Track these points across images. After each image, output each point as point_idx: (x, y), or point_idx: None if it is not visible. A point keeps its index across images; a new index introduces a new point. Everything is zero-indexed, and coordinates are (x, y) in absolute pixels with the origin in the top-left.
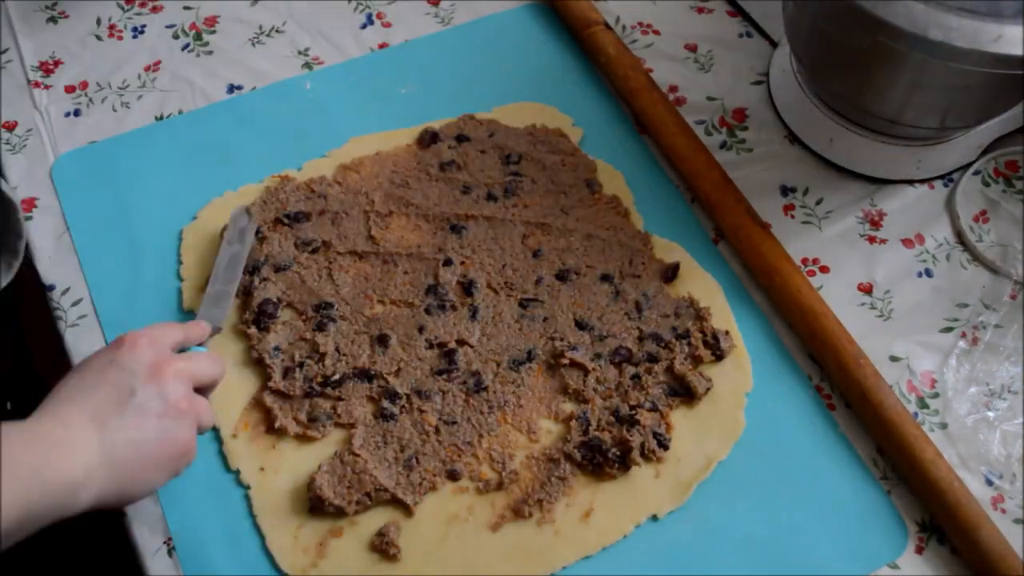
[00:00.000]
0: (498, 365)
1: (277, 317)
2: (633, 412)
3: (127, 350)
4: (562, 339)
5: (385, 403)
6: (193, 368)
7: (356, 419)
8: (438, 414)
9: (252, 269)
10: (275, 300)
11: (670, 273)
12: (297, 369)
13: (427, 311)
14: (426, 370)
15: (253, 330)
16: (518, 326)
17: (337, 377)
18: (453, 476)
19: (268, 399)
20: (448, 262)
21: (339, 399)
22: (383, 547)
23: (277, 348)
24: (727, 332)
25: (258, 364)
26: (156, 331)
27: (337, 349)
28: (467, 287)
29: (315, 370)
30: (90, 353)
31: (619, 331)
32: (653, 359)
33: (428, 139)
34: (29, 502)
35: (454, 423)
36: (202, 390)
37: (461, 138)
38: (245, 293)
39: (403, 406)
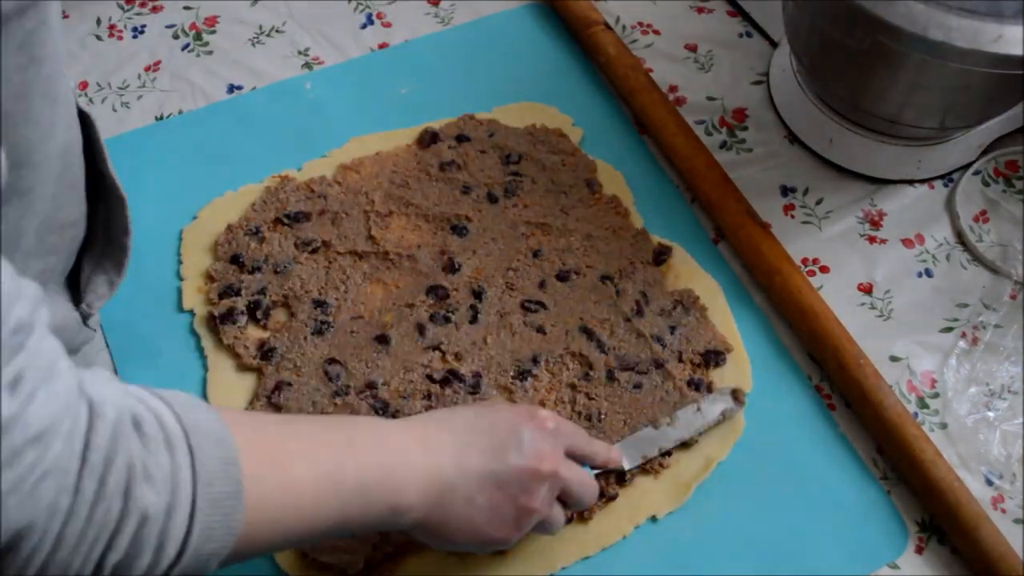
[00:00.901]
0: (500, 367)
1: (270, 317)
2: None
3: (534, 422)
4: (566, 349)
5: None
6: (571, 480)
7: None
8: None
9: (252, 269)
10: (271, 301)
11: (660, 256)
12: (294, 373)
13: (427, 311)
14: (425, 373)
15: (249, 330)
16: (520, 328)
17: (336, 388)
18: None
19: (260, 406)
20: (451, 267)
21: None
22: None
23: (273, 350)
24: (719, 351)
25: (256, 366)
26: (566, 426)
27: (337, 351)
28: (468, 287)
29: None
30: (91, 357)
31: (622, 335)
32: (658, 364)
33: (428, 139)
34: (359, 505)
35: None
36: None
37: (461, 138)
38: (236, 293)
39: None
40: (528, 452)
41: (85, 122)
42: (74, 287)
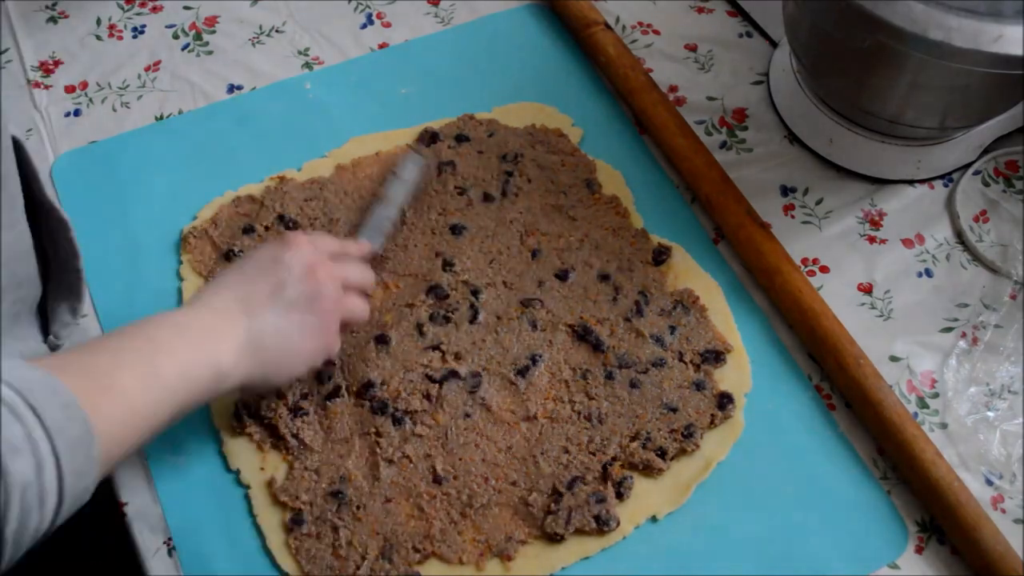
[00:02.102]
0: (499, 366)
1: None
2: (636, 437)
3: (288, 248)
4: (566, 348)
5: (380, 446)
6: (346, 272)
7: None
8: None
9: None
10: None
11: (660, 256)
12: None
13: (427, 311)
14: (425, 373)
15: None
16: (520, 328)
17: (330, 388)
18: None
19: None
20: (448, 264)
21: (327, 412)
22: None
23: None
24: (719, 351)
25: None
26: (318, 238)
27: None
28: (467, 287)
29: (309, 381)
30: None
31: (621, 335)
32: (658, 364)
33: (428, 139)
34: (186, 387)
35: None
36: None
37: (461, 138)
38: None
39: (397, 448)
40: (298, 271)
41: (17, 147)
42: (45, 318)
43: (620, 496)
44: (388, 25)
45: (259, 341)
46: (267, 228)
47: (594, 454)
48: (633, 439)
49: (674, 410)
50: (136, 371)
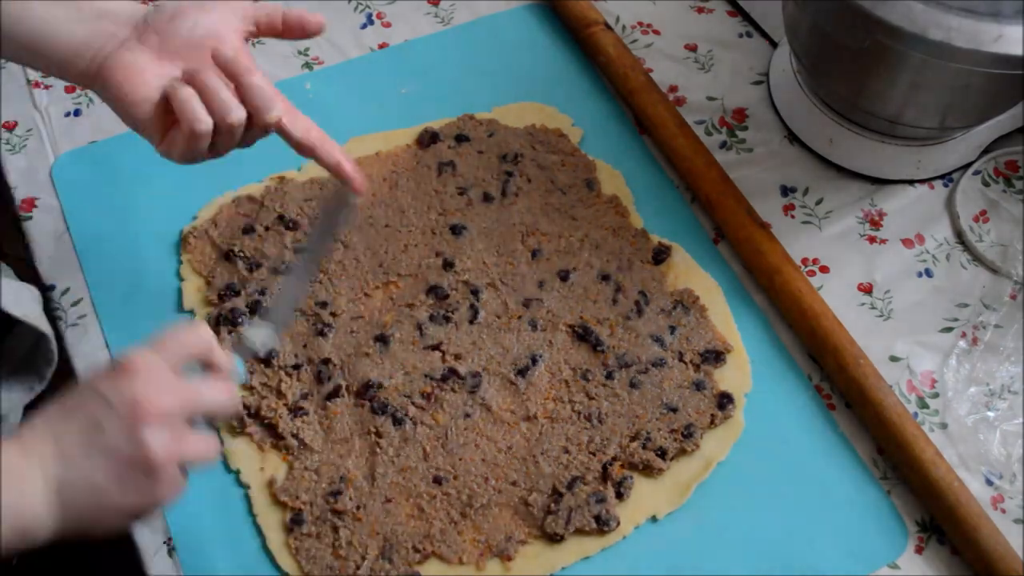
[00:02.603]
0: (499, 366)
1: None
2: (637, 438)
3: (113, 377)
4: (566, 348)
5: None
6: (192, 403)
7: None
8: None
9: (250, 268)
10: (269, 306)
11: (660, 255)
12: (294, 374)
13: (427, 311)
14: (425, 373)
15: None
16: (520, 328)
17: (331, 388)
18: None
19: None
20: (448, 264)
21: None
22: None
23: (273, 350)
24: (719, 351)
25: (254, 364)
26: (163, 350)
27: (334, 355)
28: (467, 287)
29: (309, 381)
30: (91, 356)
31: (621, 335)
32: (658, 364)
33: (428, 139)
34: None
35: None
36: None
37: (461, 138)
38: (236, 293)
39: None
40: (118, 405)
41: None
42: None
43: (620, 496)
44: (388, 25)
45: (70, 493)
46: (267, 228)
47: (594, 454)
48: (633, 439)
49: (674, 410)
50: None
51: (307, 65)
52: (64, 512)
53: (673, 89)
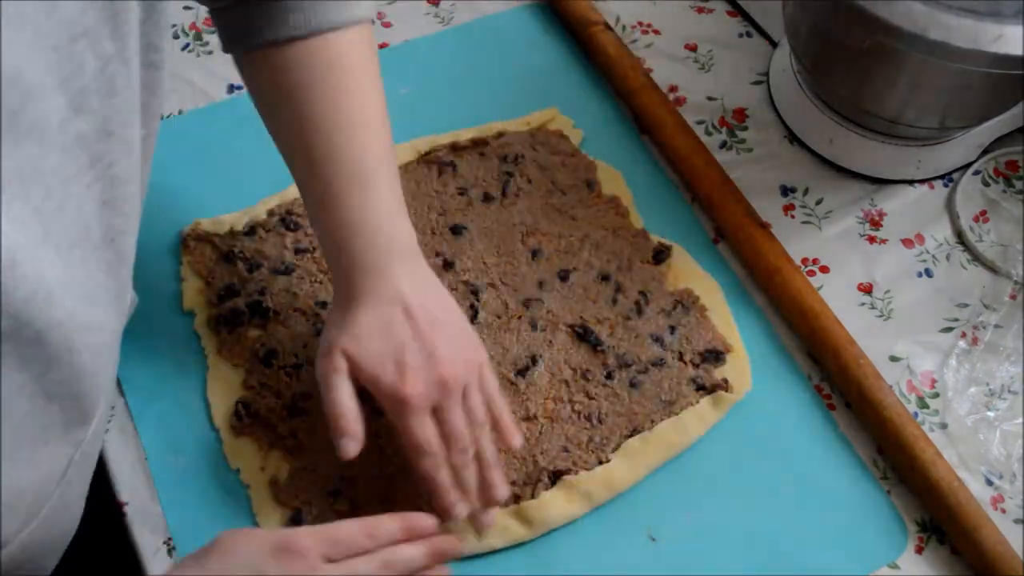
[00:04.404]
0: (499, 366)
1: (270, 318)
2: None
3: (281, 559)
4: (566, 348)
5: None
6: None
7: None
8: None
9: (250, 268)
10: (271, 302)
11: (660, 255)
12: (294, 374)
13: None
14: None
15: (250, 332)
16: (520, 328)
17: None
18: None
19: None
20: (448, 264)
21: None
22: None
23: (273, 350)
24: (719, 351)
25: (254, 364)
26: (336, 534)
27: None
28: (467, 287)
29: (309, 381)
30: None
31: (621, 335)
32: (658, 364)
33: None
34: None
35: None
36: None
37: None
38: (236, 294)
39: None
40: None
41: None
42: None
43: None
44: (388, 25)
45: None
46: (268, 230)
47: (593, 453)
48: (630, 435)
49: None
50: None
51: None
52: None
53: (673, 89)
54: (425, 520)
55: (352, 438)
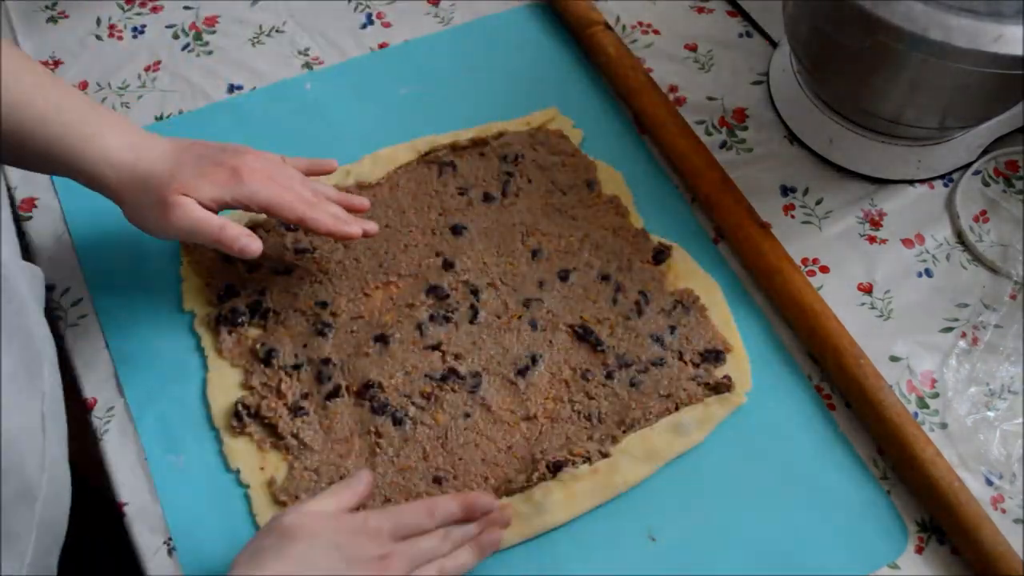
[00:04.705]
0: (499, 366)
1: (270, 318)
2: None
3: (357, 542)
4: (566, 348)
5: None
6: (423, 559)
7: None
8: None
9: (250, 268)
10: (271, 302)
11: (660, 255)
12: (294, 374)
13: (427, 311)
14: (425, 373)
15: (250, 331)
16: (520, 328)
17: (331, 388)
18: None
19: (262, 405)
20: (448, 264)
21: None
22: None
23: (273, 350)
24: (719, 351)
25: (254, 364)
26: (387, 517)
27: (334, 355)
28: (467, 287)
29: (309, 381)
30: (91, 356)
31: (621, 335)
32: (658, 363)
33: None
34: None
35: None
36: None
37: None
38: (236, 293)
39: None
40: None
41: None
42: None
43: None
44: (388, 25)
45: None
46: (268, 231)
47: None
48: (627, 430)
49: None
50: None
51: (307, 65)
52: None
53: (673, 89)
54: (484, 499)
55: (249, 236)
